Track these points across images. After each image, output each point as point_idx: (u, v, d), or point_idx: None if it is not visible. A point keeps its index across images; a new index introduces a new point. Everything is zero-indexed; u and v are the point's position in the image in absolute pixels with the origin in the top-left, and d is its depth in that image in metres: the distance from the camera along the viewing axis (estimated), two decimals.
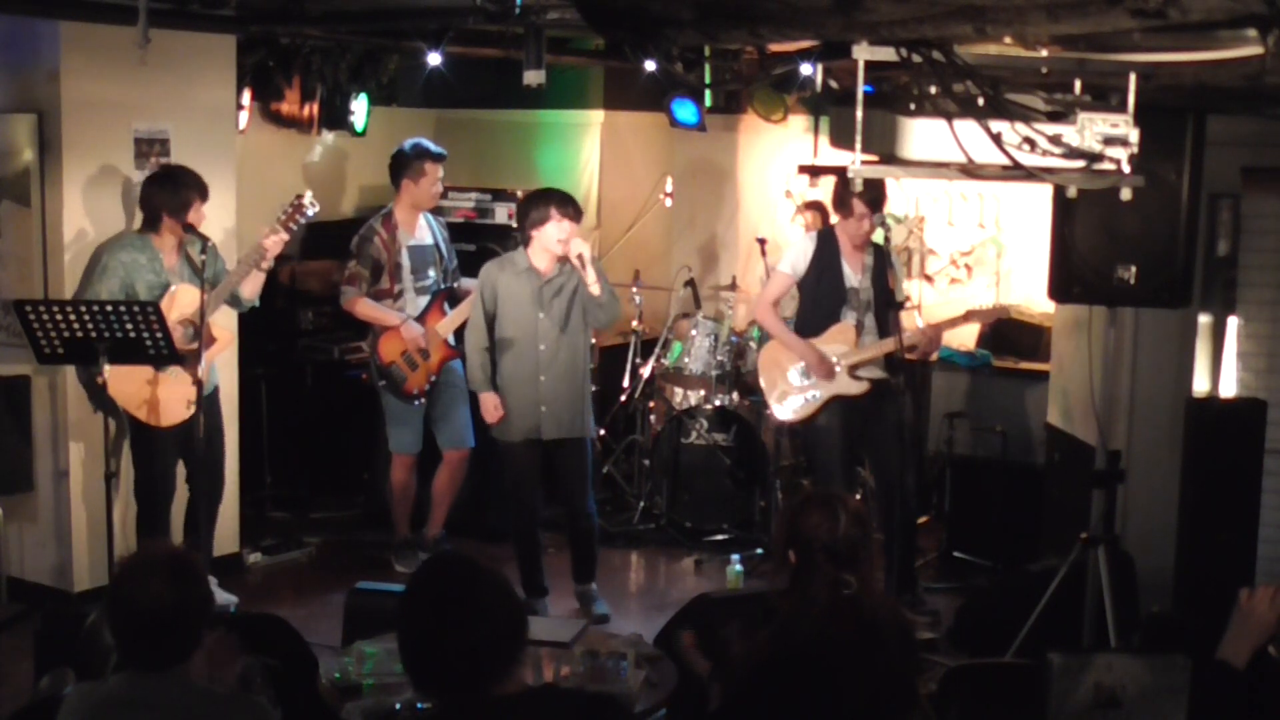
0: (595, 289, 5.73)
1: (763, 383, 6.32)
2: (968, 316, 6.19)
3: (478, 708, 2.58)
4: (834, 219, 6.21)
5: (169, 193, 5.72)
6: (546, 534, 6.37)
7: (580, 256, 5.70)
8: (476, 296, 5.95)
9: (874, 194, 5.87)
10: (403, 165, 6.51)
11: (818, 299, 6.12)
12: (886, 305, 5.99)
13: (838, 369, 6.02)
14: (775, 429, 7.10)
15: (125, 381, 5.56)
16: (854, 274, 6.05)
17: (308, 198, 5.84)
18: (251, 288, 5.92)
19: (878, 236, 6.20)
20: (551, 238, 5.75)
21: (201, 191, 5.77)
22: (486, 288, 5.89)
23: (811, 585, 3.21)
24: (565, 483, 6.06)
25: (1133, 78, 3.41)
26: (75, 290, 5.70)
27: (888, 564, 6.02)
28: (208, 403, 5.91)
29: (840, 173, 5.74)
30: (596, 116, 8.61)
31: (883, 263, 6.07)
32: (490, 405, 5.90)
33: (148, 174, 5.90)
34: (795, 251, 6.19)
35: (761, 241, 7.84)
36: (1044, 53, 3.30)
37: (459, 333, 6.57)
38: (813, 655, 3.08)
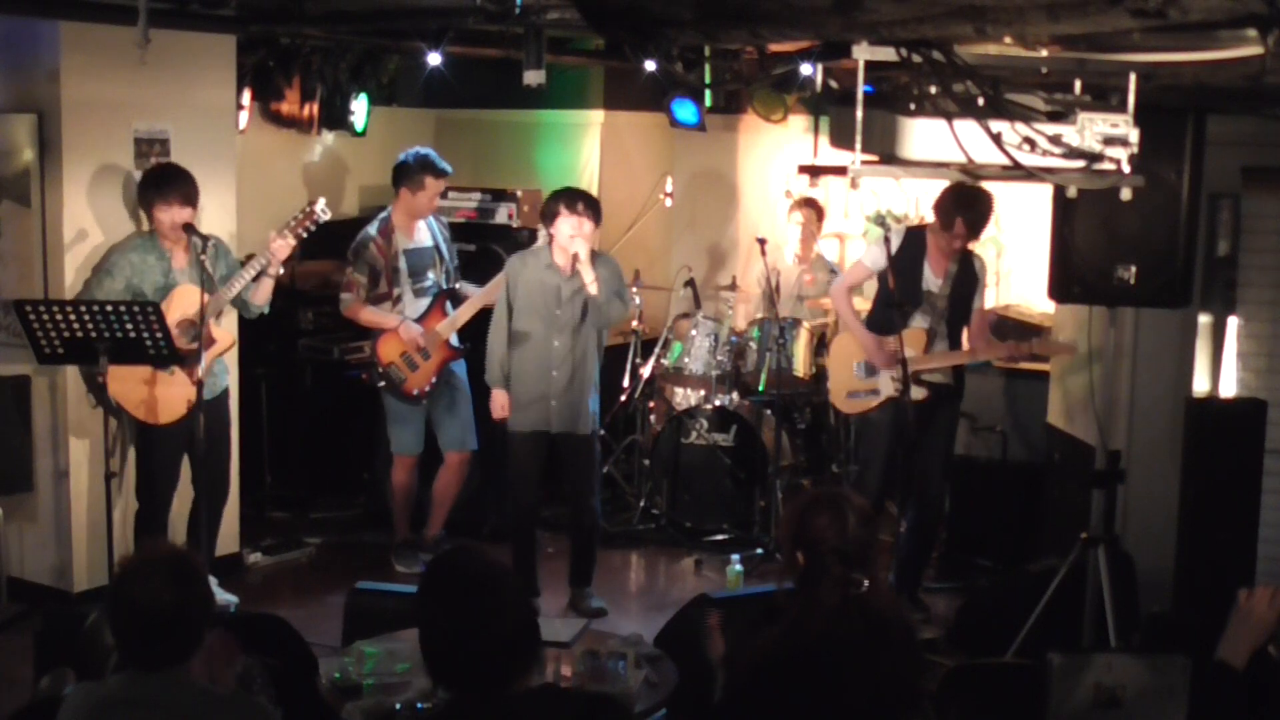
0: (592, 289, 5.76)
1: (830, 368, 6.38)
2: (1035, 347, 6.04)
3: (485, 705, 2.59)
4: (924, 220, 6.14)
5: (139, 189, 5.82)
6: (546, 533, 6.37)
7: (577, 256, 5.73)
8: (502, 290, 5.99)
9: (977, 216, 5.75)
10: (404, 174, 6.51)
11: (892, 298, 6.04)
12: (963, 316, 5.93)
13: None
14: (775, 428, 7.10)
15: (125, 379, 5.57)
16: (935, 278, 5.94)
17: (319, 205, 5.86)
18: (261, 294, 5.94)
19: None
20: (562, 233, 5.79)
21: (160, 188, 5.70)
22: (510, 283, 5.94)
23: (820, 586, 3.21)
24: (571, 477, 6.08)
25: (1133, 78, 3.41)
26: (80, 289, 5.73)
27: (897, 565, 6.02)
28: (216, 405, 5.94)
29: (963, 191, 5.66)
30: (596, 116, 8.61)
31: (969, 272, 5.96)
32: (499, 403, 5.94)
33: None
34: (879, 247, 6.05)
35: (761, 241, 7.82)
36: (1044, 53, 3.30)
37: (461, 334, 6.57)
38: (819, 653, 3.08)
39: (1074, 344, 6.09)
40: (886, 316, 5.89)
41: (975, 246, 6.06)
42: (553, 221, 5.81)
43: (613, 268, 5.97)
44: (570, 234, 5.76)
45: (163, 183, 5.74)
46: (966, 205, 5.69)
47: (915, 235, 6.02)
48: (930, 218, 6.01)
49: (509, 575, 2.73)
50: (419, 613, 2.70)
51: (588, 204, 5.83)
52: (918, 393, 5.91)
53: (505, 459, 6.11)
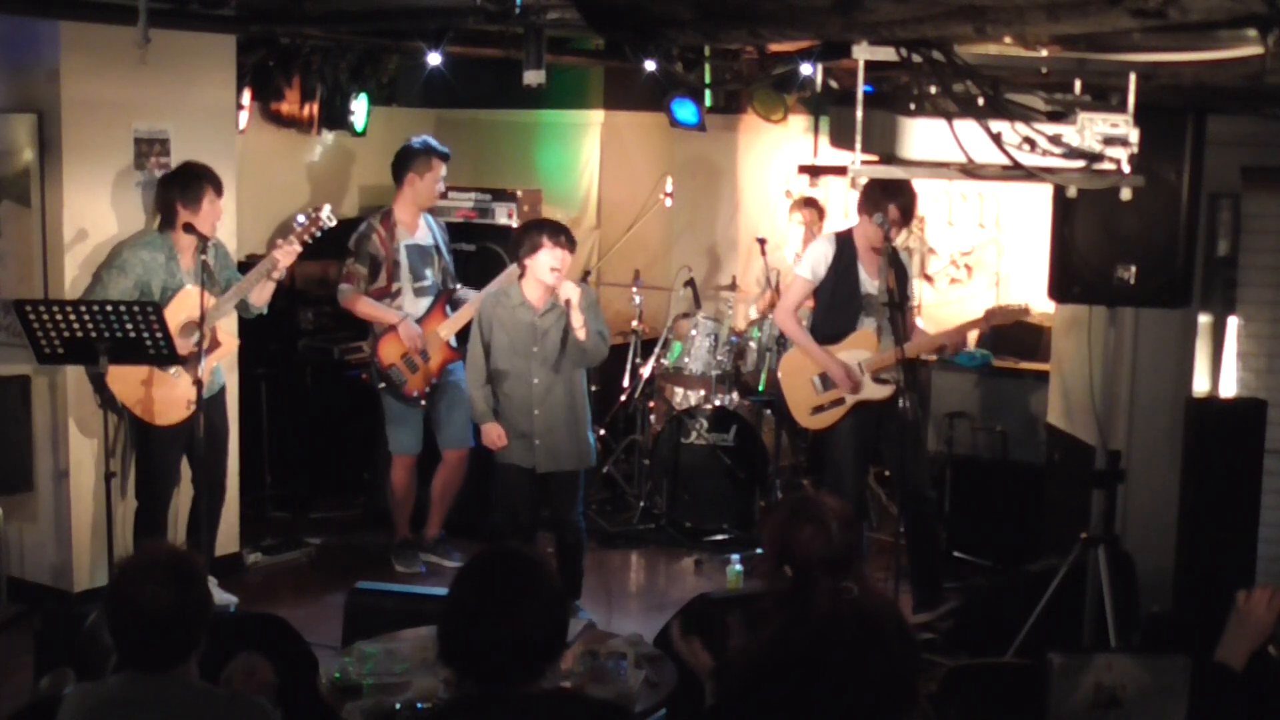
0: (581, 334, 5.62)
1: (784, 389, 6.26)
2: (989, 317, 6.12)
3: (500, 702, 2.61)
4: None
5: (181, 185, 5.80)
6: (545, 533, 6.34)
7: (569, 301, 5.58)
8: (475, 330, 5.85)
9: (907, 200, 5.79)
10: (410, 159, 6.51)
11: (835, 304, 6.04)
12: (899, 308, 5.96)
13: (863, 377, 5.99)
14: (775, 428, 7.10)
15: (126, 379, 5.58)
16: (870, 279, 5.97)
17: (325, 211, 5.88)
18: (261, 296, 5.95)
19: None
20: (544, 265, 5.63)
21: (215, 183, 5.82)
22: (484, 321, 5.80)
23: (812, 597, 3.19)
24: (555, 500, 5.96)
25: (1133, 78, 3.41)
26: (89, 283, 5.76)
27: (912, 565, 6.01)
28: (213, 404, 5.94)
29: (885, 182, 5.70)
30: (596, 116, 8.61)
31: (899, 268, 5.96)
32: (494, 435, 5.80)
33: (161, 175, 5.99)
34: (815, 256, 6.07)
35: (761, 241, 7.84)
36: (1044, 53, 3.30)
37: (460, 335, 6.56)
38: (812, 656, 3.07)
39: (1024, 308, 6.11)
40: (839, 319, 6.00)
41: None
42: (534, 253, 5.63)
43: (591, 299, 5.81)
44: (551, 265, 5.61)
45: (211, 176, 5.80)
46: (895, 192, 5.70)
47: (845, 241, 6.04)
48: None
49: (550, 570, 2.77)
50: (452, 596, 2.71)
51: (568, 236, 5.70)
52: (883, 391, 5.96)
53: (497, 484, 6.03)
